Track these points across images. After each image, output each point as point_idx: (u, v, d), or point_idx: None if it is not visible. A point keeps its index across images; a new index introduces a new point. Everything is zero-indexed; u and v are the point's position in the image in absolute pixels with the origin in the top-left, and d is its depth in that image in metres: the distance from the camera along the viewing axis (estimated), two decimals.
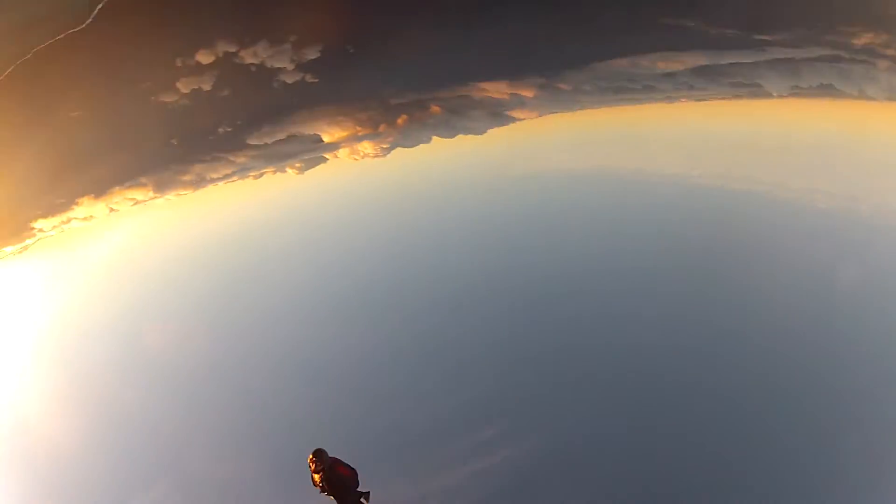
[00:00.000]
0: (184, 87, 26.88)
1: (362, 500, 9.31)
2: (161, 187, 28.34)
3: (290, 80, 27.55)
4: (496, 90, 29.31)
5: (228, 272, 28.87)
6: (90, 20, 23.19)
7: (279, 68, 27.41)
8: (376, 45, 27.75)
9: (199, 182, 28.57)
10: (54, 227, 27.77)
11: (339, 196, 31.19)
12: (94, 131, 26.74)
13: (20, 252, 27.97)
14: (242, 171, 29.03)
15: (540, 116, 30.26)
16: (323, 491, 9.14)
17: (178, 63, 26.83)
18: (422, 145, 29.58)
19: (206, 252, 30.23)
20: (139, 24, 25.00)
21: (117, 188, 28.01)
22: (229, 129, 27.87)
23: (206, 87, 26.77)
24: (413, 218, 29.66)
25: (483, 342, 20.05)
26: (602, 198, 30.47)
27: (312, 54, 27.40)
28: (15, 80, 24.16)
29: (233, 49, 26.94)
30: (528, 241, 27.15)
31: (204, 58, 26.72)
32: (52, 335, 27.02)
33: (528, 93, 29.70)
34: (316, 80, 27.57)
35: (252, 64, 27.22)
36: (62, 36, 23.52)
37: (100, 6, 23.14)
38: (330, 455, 8.86)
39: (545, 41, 28.94)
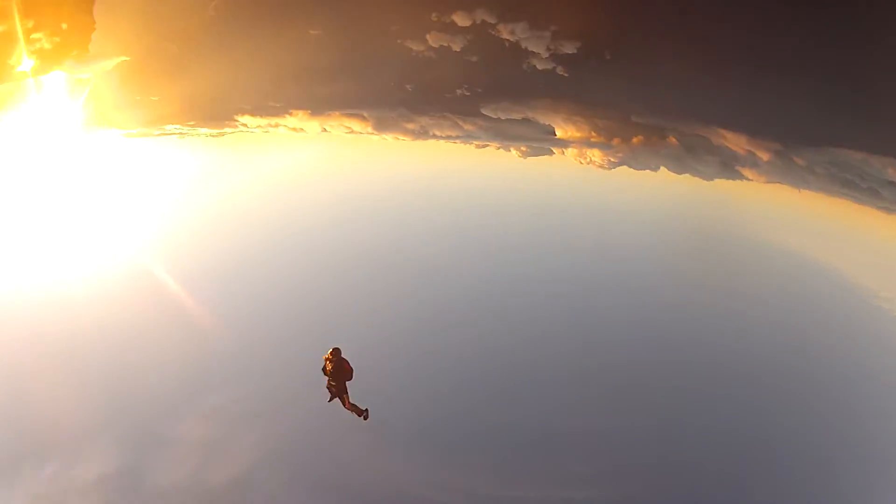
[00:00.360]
0: (433, 40, 26.12)
1: (363, 416, 13.47)
2: (381, 126, 27.99)
3: (540, 67, 26.42)
4: (735, 142, 27.76)
5: (405, 229, 29.78)
6: None
7: (533, 52, 26.32)
8: (635, 59, 26.49)
9: (421, 133, 28.09)
10: (259, 126, 28.14)
11: (550, 192, 29.81)
12: (330, 54, 26.08)
13: (215, 137, 28.78)
14: (467, 137, 28.30)
15: (766, 182, 28.52)
16: (327, 376, 13.05)
17: (434, 17, 25.92)
18: (648, 171, 27.88)
19: (395, 202, 30.66)
20: None
21: (337, 112, 27.85)
22: (467, 94, 26.60)
23: (456, 48, 25.93)
24: (613, 241, 28.38)
25: None
26: (804, 287, 28.66)
27: (569, 49, 26.31)
28: None
29: (492, 20, 26.05)
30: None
31: (460, 19, 25.85)
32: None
33: (763, 155, 28.10)
34: (566, 75, 26.31)
35: (507, 40, 26.24)
36: None
37: None
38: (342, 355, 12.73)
39: (798, 109, 27.68)
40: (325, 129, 28.00)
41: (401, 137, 28.14)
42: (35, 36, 23.14)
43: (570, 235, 28.92)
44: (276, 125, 27.71)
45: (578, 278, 28.43)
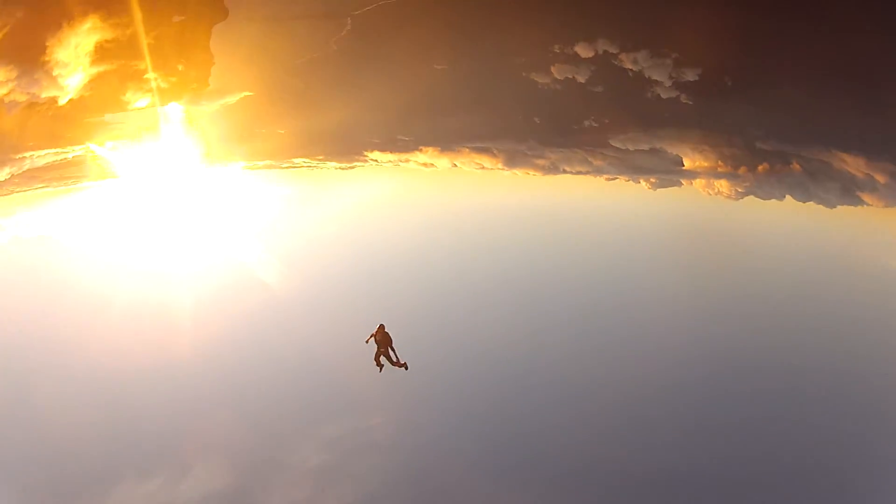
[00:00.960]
0: (557, 72, 26.37)
1: (403, 366, 17.11)
2: (511, 161, 27.85)
3: (664, 95, 26.41)
4: (854, 165, 27.49)
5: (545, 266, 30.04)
6: None
7: (656, 81, 25.98)
8: (754, 84, 26.51)
9: (551, 168, 27.85)
10: (389, 161, 28.66)
11: (679, 224, 28.91)
12: (456, 88, 26.67)
13: (344, 170, 29.67)
14: (596, 171, 28.15)
15: (885, 207, 28.06)
16: (378, 345, 16.91)
17: (556, 49, 26.10)
18: (773, 201, 27.24)
19: (530, 236, 30.95)
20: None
21: (467, 148, 27.90)
22: (595, 125, 26.16)
23: (581, 79, 26.12)
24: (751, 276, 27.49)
25: None
26: None
27: (691, 76, 26.34)
28: (387, 16, 24.27)
29: (614, 50, 26.11)
30: None
31: (583, 51, 26.02)
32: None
33: (880, 178, 27.84)
34: (690, 102, 26.00)
35: (630, 70, 26.14)
36: None
37: None
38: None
39: None
40: (454, 165, 28.17)
41: (530, 172, 28.02)
42: (152, 75, 22.49)
43: (706, 270, 27.91)
44: (407, 160, 28.01)
45: (721, 315, 27.47)
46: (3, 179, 34.59)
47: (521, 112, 26.95)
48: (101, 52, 21.26)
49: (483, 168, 27.69)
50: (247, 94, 26.20)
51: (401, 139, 28.09)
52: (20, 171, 32.76)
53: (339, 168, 29.20)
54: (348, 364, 24.50)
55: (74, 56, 21.21)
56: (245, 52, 24.17)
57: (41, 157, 30.74)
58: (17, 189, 36.50)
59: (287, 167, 29.34)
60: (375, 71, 25.82)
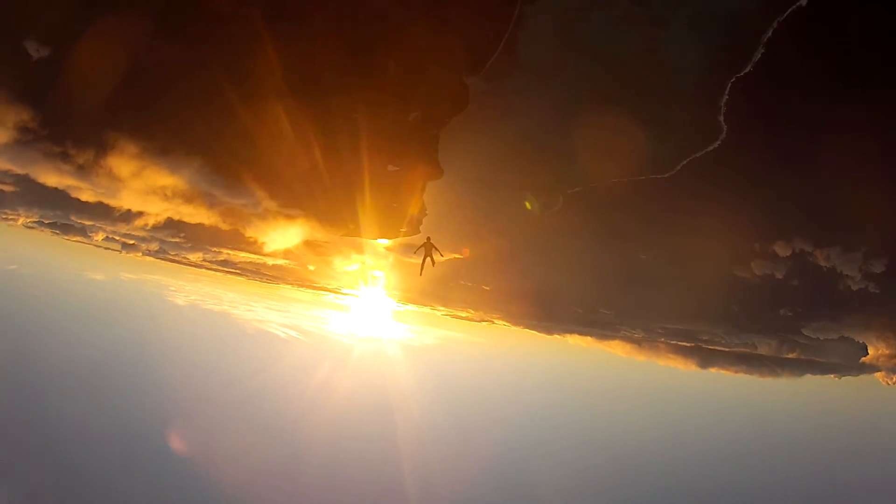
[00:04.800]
0: (757, 268, 28.71)
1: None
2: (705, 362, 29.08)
3: (854, 287, 28.22)
4: None
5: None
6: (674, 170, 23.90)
7: (847, 275, 28.17)
8: None
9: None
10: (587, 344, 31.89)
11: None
12: (659, 273, 29.23)
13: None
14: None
15: None
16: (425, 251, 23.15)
17: (756, 247, 28.51)
18: None
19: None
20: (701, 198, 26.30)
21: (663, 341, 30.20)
22: (789, 314, 28.79)
23: (778, 275, 28.54)
24: None
25: None
26: None
27: (878, 267, 28.33)
28: (599, 199, 25.82)
29: (809, 248, 28.24)
30: None
31: (781, 249, 28.25)
32: None
33: None
34: (877, 291, 28.10)
35: (823, 266, 28.42)
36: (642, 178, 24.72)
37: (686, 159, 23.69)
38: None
39: None
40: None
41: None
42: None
43: None
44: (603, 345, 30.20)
45: None
46: (195, 261, 41.50)
47: (720, 299, 29.38)
48: None
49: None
50: (457, 256, 29.38)
51: (602, 312, 30.68)
52: (214, 259, 39.13)
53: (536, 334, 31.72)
54: None
55: None
56: (457, 212, 26.99)
57: (237, 255, 36.11)
58: (212, 267, 43.17)
59: (483, 321, 32.17)
60: (581, 245, 28.03)
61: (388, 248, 30.19)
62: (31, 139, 24.82)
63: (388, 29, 20.17)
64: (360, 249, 30.66)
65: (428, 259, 23.18)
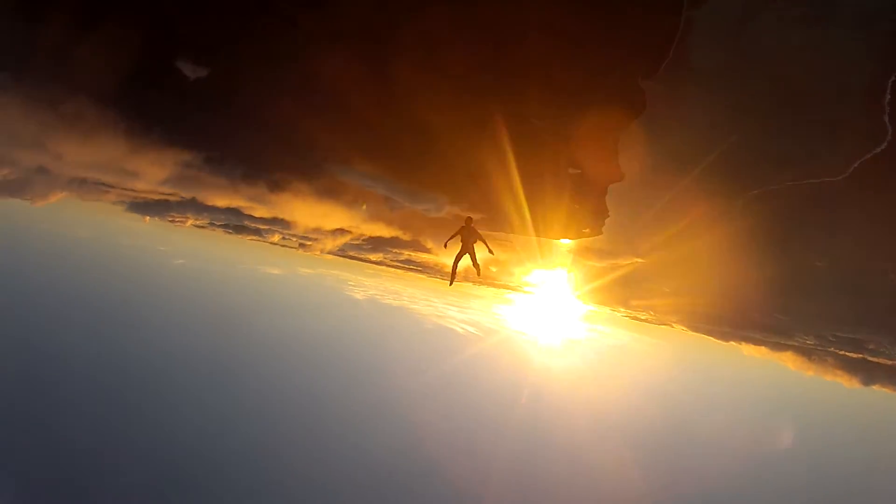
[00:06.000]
0: None
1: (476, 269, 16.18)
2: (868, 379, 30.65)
3: None
4: None
5: None
6: (846, 173, 23.30)
7: None
8: None
9: None
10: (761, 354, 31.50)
11: None
12: (833, 282, 28.88)
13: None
14: None
15: None
16: (460, 239, 15.88)
17: None
18: None
19: None
20: None
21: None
22: None
23: None
24: None
25: None
26: None
27: None
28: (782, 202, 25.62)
29: None
30: None
31: None
32: None
33: None
34: None
35: None
36: (815, 181, 24.29)
37: (857, 162, 22.91)
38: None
39: None
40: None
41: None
42: None
43: None
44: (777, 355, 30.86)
45: None
46: (375, 260, 43.00)
47: (891, 307, 28.44)
48: None
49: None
50: (637, 260, 30.73)
51: (778, 317, 30.88)
52: (394, 259, 40.54)
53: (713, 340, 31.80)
54: None
55: None
56: (640, 220, 27.45)
57: (418, 256, 38.09)
58: (392, 265, 45.07)
59: (662, 325, 33.29)
60: (763, 251, 27.59)
61: (569, 249, 31.77)
62: (198, 167, 25.96)
63: (563, 39, 21.07)
64: (541, 250, 31.87)
65: (465, 255, 16.39)
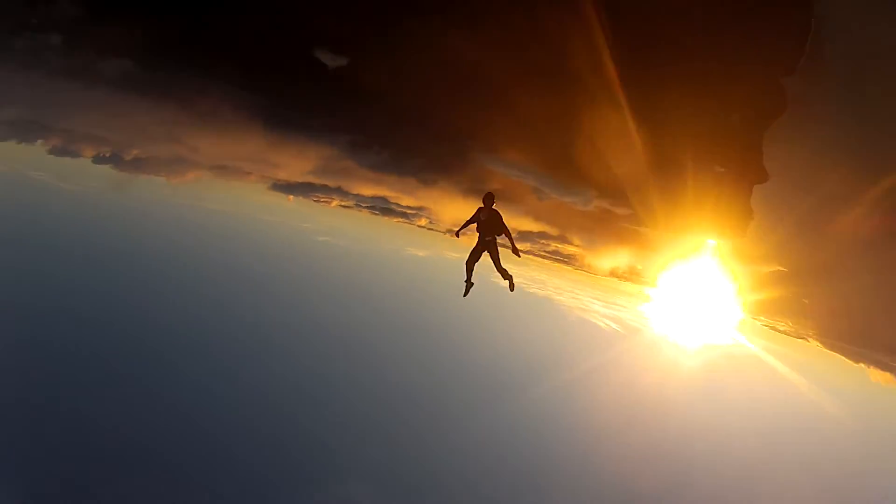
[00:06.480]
0: None
1: (509, 281, 11.61)
2: None
3: None
4: None
5: None
6: None
7: None
8: None
9: None
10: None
11: None
12: None
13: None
14: None
15: None
16: (479, 230, 11.06)
17: None
18: None
19: None
20: None
21: None
22: None
23: None
24: None
25: None
26: None
27: None
28: None
29: None
30: None
31: None
32: None
33: None
34: None
35: None
36: None
37: None
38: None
39: None
40: None
41: None
42: None
43: None
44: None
45: None
46: (522, 248, 46.06)
47: None
48: None
49: None
50: (780, 268, 28.78)
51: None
52: (542, 250, 40.44)
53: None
54: None
55: None
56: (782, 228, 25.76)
57: (565, 248, 37.88)
58: (539, 254, 44.05)
59: (800, 338, 31.86)
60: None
61: (714, 251, 30.48)
62: (343, 157, 26.46)
63: (699, 33, 20.47)
64: (685, 248, 30.73)
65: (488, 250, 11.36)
